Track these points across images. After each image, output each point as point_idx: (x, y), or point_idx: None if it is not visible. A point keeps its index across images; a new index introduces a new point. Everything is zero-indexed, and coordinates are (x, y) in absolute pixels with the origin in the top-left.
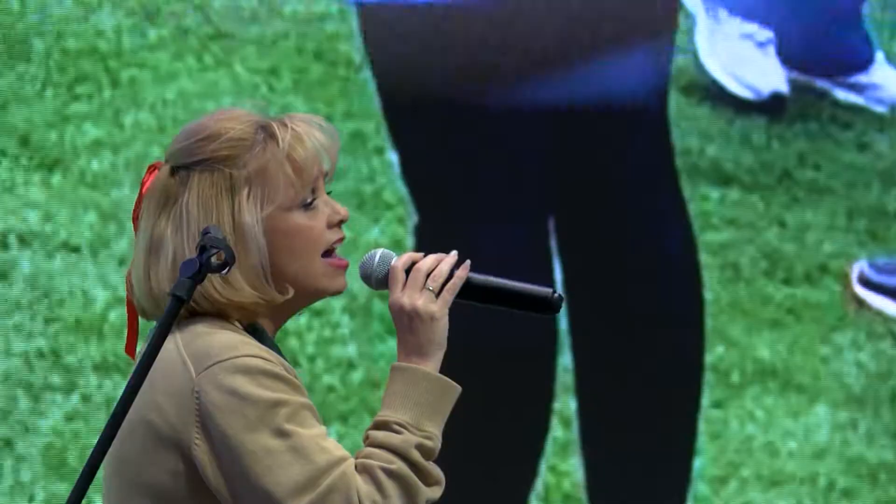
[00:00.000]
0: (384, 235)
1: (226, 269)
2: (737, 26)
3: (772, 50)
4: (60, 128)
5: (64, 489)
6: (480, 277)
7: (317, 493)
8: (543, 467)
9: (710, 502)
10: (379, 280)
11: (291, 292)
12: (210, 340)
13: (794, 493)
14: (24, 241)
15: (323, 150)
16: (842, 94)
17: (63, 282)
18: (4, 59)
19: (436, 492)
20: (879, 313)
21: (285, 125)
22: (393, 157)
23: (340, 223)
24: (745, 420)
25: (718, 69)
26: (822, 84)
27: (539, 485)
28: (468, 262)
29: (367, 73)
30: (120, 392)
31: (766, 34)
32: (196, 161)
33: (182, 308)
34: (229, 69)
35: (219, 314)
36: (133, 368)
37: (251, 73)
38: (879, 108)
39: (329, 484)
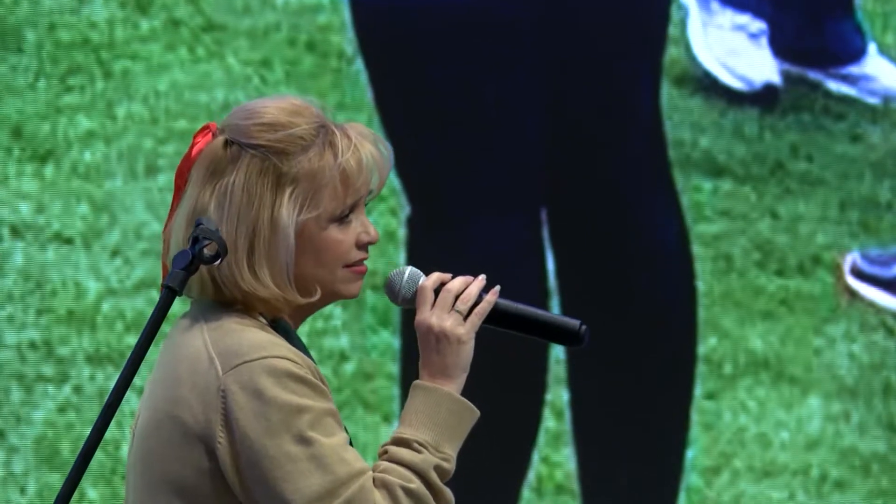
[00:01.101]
0: (376, 226)
1: (218, 261)
2: (729, 17)
3: (764, 41)
4: (53, 119)
5: (56, 480)
6: (508, 303)
7: (339, 502)
8: (536, 458)
9: (702, 493)
10: (406, 298)
11: (317, 296)
12: (239, 338)
13: (787, 484)
14: (16, 232)
15: (376, 169)
16: (834, 86)
17: (55, 273)
18: None
19: None
20: (872, 304)
21: (348, 136)
22: None
23: (368, 244)
24: (738, 411)
25: (711, 60)
26: (814, 75)
27: (531, 475)
28: (497, 287)
29: (359, 65)
30: (112, 383)
31: (759, 25)
32: (252, 144)
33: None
34: (222, 61)
35: (244, 304)
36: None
37: (243, 64)
38: (872, 100)
39: (348, 497)
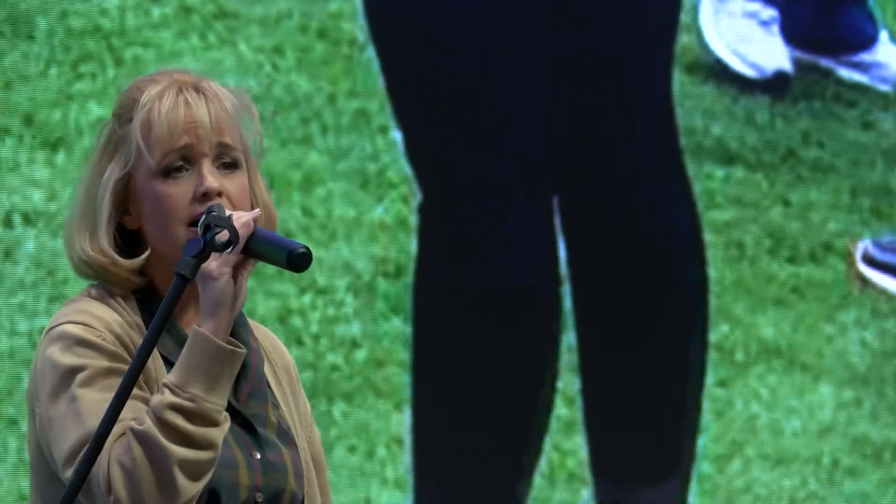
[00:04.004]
0: (388, 214)
1: (230, 248)
2: (740, 5)
3: (776, 28)
4: (64, 107)
5: None
6: (262, 235)
7: (80, 457)
8: (548, 446)
9: (713, 481)
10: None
11: (143, 256)
12: (60, 310)
13: (799, 471)
14: (28, 220)
15: (178, 125)
16: (846, 73)
17: (67, 261)
18: (8, 37)
19: (198, 454)
20: (884, 292)
21: (155, 92)
22: (397, 135)
23: (205, 195)
24: (750, 399)
25: (722, 48)
26: (825, 63)
27: (543, 463)
28: (251, 217)
29: (370, 52)
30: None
31: (770, 13)
32: (112, 111)
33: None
34: (233, 48)
35: (103, 279)
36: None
37: (255, 51)
38: (883, 87)
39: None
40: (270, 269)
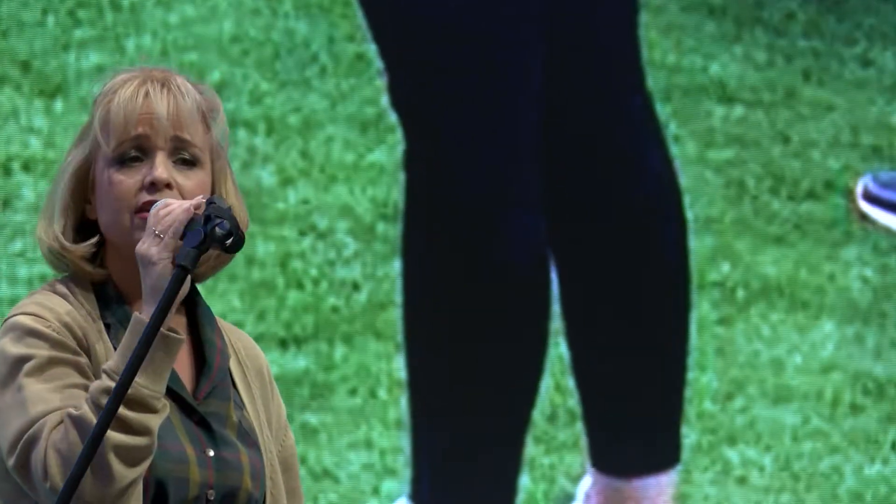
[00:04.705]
0: (390, 157)
1: (230, 239)
2: None
3: None
4: (62, 54)
5: None
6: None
7: (21, 444)
8: (549, 385)
9: (715, 419)
10: None
11: (91, 241)
12: (24, 299)
13: (800, 408)
14: (27, 167)
15: (134, 115)
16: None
17: None
18: None
19: (134, 440)
20: (885, 228)
21: (116, 82)
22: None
23: (153, 185)
24: (751, 336)
25: None
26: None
27: (545, 404)
28: (190, 203)
29: None
30: None
31: None
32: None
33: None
34: None
35: (69, 270)
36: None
37: None
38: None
39: (30, 434)
40: (272, 212)
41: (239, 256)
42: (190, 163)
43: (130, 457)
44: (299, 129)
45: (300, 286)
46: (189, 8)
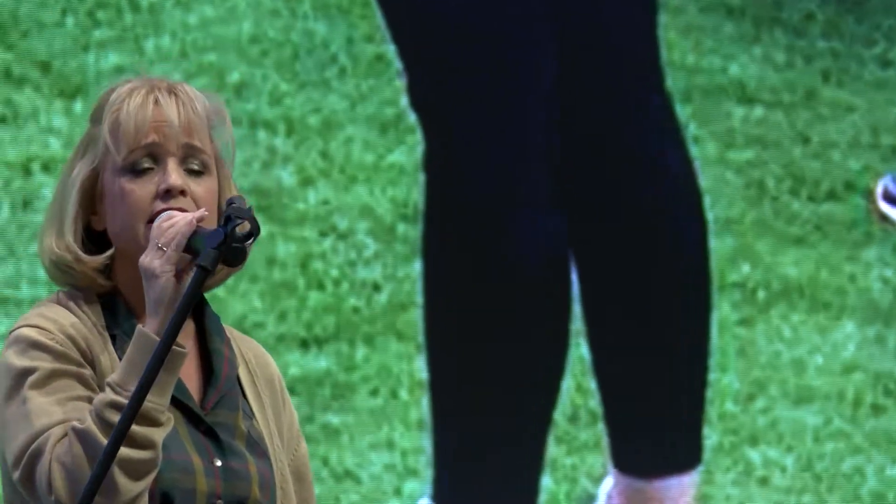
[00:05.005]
0: (410, 158)
1: (250, 240)
2: None
3: None
4: (81, 55)
5: None
6: (207, 232)
7: (26, 457)
8: (571, 386)
9: (737, 419)
10: None
11: (107, 254)
12: (28, 311)
13: (822, 409)
14: (46, 168)
15: (145, 123)
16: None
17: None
18: None
19: (139, 454)
20: None
21: (125, 92)
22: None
23: (168, 192)
24: (773, 337)
25: None
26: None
27: (567, 404)
28: (193, 216)
29: None
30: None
31: None
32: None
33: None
34: None
35: (73, 284)
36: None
37: None
38: None
39: (34, 447)
40: (292, 213)
41: (260, 257)
42: (199, 170)
43: (135, 470)
44: (319, 129)
45: (321, 287)
46: (208, 9)
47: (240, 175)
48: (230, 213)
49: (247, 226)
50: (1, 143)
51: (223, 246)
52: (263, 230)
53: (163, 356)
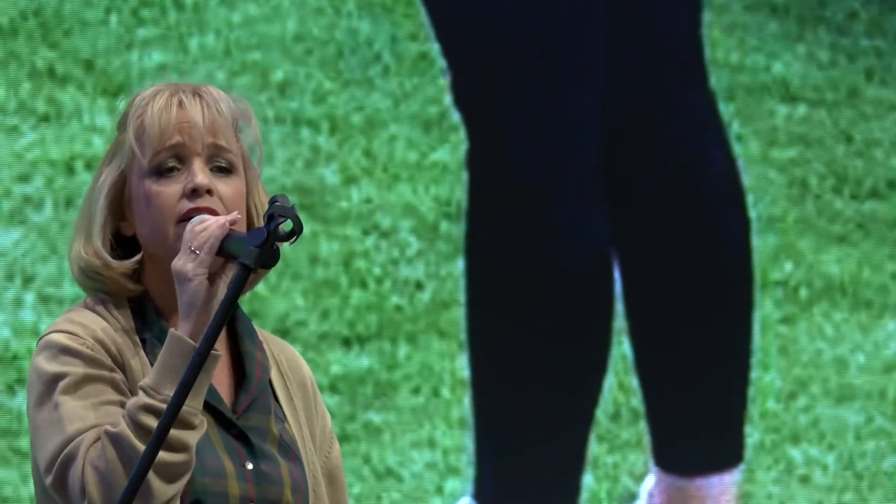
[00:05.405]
0: (453, 156)
1: (293, 238)
2: None
3: None
4: (125, 53)
5: None
6: (236, 235)
7: (58, 462)
8: (613, 384)
9: (779, 418)
10: None
11: (136, 258)
12: (58, 317)
13: (863, 407)
14: (90, 166)
15: (170, 124)
16: None
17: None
18: None
19: (172, 457)
20: None
21: (148, 95)
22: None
23: (194, 191)
24: (815, 335)
25: None
26: None
27: (609, 402)
28: (226, 219)
29: None
30: None
31: None
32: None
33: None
34: None
35: (103, 289)
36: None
37: None
38: None
39: (68, 451)
40: (335, 211)
41: (303, 255)
42: (226, 170)
43: (169, 473)
44: (362, 128)
45: (363, 285)
46: (252, 7)
47: (283, 173)
48: (273, 212)
49: (290, 224)
50: (44, 142)
51: (266, 244)
52: (306, 228)
53: (202, 360)
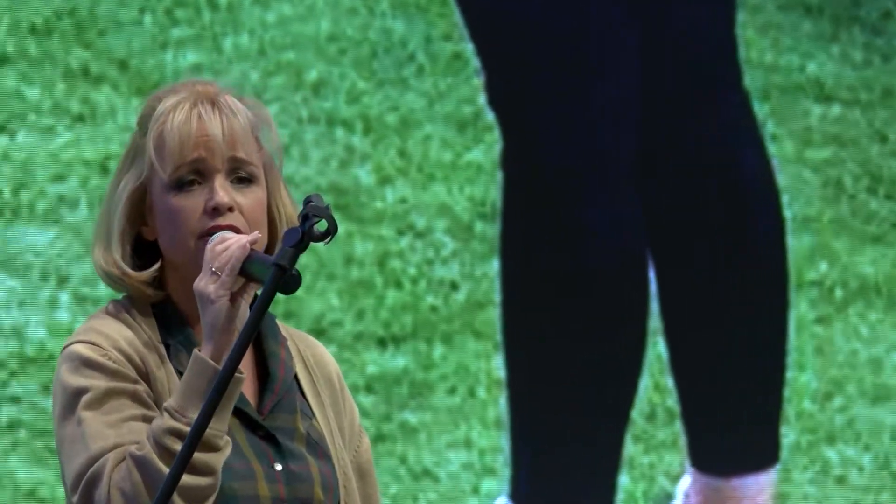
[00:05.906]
0: (487, 156)
1: (328, 238)
2: None
3: None
4: (159, 53)
5: None
6: (258, 257)
7: (84, 482)
8: (648, 384)
9: (814, 418)
10: None
11: (154, 267)
12: (81, 325)
13: None
14: None
15: (190, 138)
16: None
17: None
18: None
19: (197, 481)
20: None
21: (170, 105)
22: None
23: (215, 210)
24: (850, 336)
25: None
26: None
27: (644, 403)
28: (247, 239)
29: None
30: None
31: None
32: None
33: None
34: None
35: (127, 292)
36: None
37: None
38: None
39: (92, 472)
40: (370, 211)
41: (338, 255)
42: (247, 180)
43: (194, 497)
44: (397, 128)
45: (399, 285)
46: (286, 7)
47: (317, 173)
48: (308, 212)
49: (324, 224)
50: (79, 142)
51: (301, 244)
52: (341, 228)
53: (226, 384)
